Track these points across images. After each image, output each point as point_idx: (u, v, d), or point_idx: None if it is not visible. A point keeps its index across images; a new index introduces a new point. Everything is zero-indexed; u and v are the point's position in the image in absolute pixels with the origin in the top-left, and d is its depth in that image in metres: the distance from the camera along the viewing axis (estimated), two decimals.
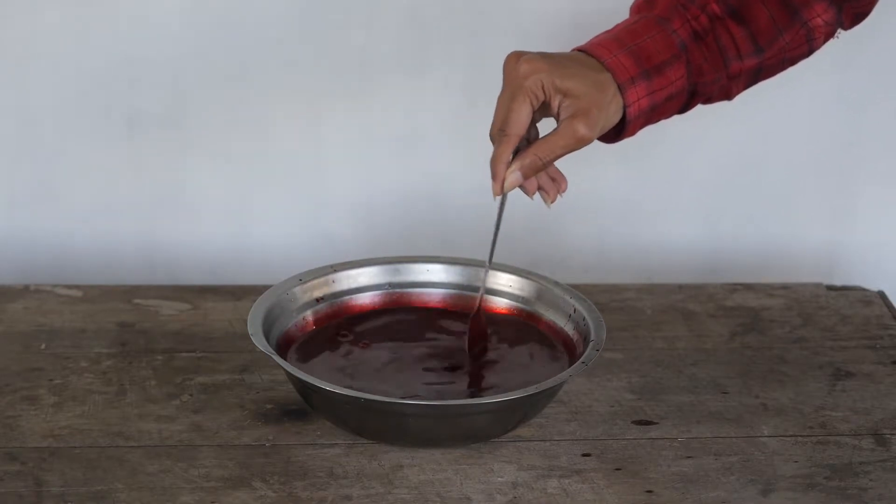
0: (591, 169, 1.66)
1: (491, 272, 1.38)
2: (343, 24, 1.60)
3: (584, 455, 1.25)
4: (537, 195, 1.25)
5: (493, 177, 1.22)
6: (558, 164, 1.25)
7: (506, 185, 1.22)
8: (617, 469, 1.23)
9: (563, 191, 1.26)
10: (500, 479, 1.21)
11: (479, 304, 1.32)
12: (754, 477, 1.23)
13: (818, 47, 1.31)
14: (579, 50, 1.25)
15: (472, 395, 1.26)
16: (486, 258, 1.31)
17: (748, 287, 1.55)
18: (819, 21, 1.28)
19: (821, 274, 1.69)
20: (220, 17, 1.59)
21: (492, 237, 1.28)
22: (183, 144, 1.64)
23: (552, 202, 1.26)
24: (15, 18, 1.57)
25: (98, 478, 1.20)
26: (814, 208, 1.71)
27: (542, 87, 1.21)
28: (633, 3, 1.30)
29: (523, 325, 1.36)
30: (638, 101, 1.24)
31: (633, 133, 1.27)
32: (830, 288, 1.56)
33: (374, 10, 1.60)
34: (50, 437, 1.25)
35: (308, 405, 1.27)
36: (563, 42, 1.61)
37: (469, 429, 1.23)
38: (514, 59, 1.22)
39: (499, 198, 1.24)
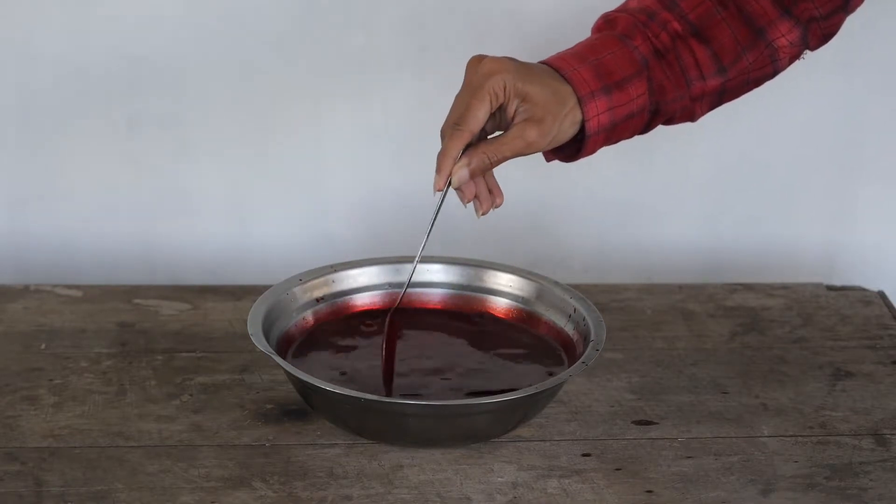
0: (592, 169, 1.66)
1: (491, 272, 1.38)
2: (343, 24, 1.60)
3: (584, 455, 1.25)
4: (470, 205, 1.25)
5: (438, 170, 1.22)
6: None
7: (453, 180, 1.22)
8: (617, 469, 1.23)
9: (498, 205, 1.26)
10: (500, 479, 1.21)
11: (399, 301, 1.30)
12: (754, 477, 1.23)
13: (783, 68, 1.30)
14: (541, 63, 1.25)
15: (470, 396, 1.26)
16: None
17: (748, 287, 1.55)
18: (784, 41, 1.27)
19: (821, 274, 1.69)
20: (220, 18, 1.59)
21: (426, 234, 1.26)
22: (183, 144, 1.64)
23: (483, 214, 1.25)
24: (16, 18, 1.57)
25: (98, 478, 1.20)
26: (814, 208, 1.71)
27: (504, 88, 1.20)
28: (594, 24, 1.30)
29: (522, 327, 1.36)
30: (598, 116, 1.24)
31: (592, 151, 1.26)
32: (830, 288, 1.56)
33: (374, 10, 1.60)
34: (50, 437, 1.25)
35: (308, 405, 1.27)
36: (562, 43, 1.62)
37: (469, 429, 1.23)
38: (478, 60, 1.22)
39: (439, 193, 1.23)
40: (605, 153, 1.66)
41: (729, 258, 1.71)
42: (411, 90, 1.63)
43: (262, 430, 1.27)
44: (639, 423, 1.30)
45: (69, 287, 1.51)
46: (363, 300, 1.38)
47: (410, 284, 1.32)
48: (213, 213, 1.66)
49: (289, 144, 1.65)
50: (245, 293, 1.50)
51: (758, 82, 1.30)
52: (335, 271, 1.37)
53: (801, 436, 1.29)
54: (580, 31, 1.61)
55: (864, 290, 1.55)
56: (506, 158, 1.22)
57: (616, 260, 1.71)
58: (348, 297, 1.37)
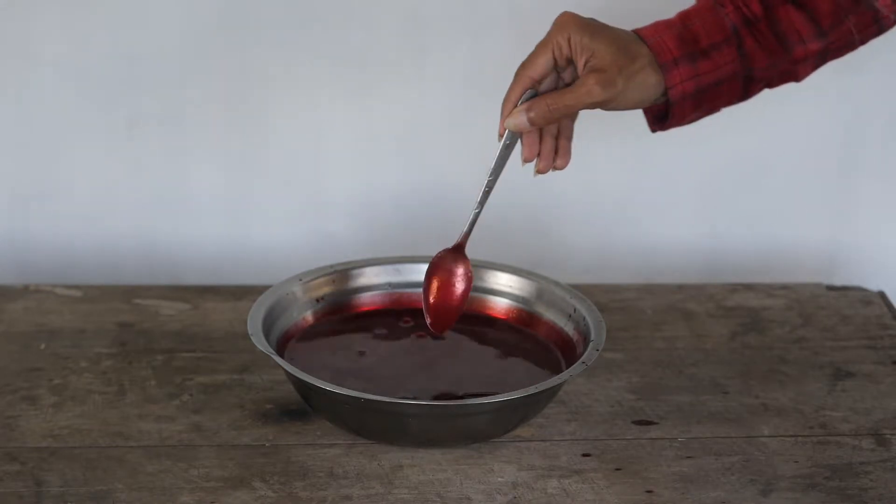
0: (591, 169, 1.66)
1: (491, 272, 1.38)
2: (343, 24, 1.60)
3: (584, 455, 1.25)
4: (528, 165, 1.25)
5: (502, 116, 1.24)
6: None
7: (509, 123, 1.23)
8: (617, 469, 1.23)
9: (560, 167, 1.26)
10: (500, 479, 1.21)
11: (463, 239, 1.30)
12: (754, 477, 1.23)
13: (889, 27, 1.29)
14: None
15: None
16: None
17: (748, 287, 1.55)
18: (885, 1, 1.27)
19: (821, 274, 1.69)
20: (219, 17, 1.59)
21: (486, 179, 1.27)
22: (183, 144, 1.64)
23: (539, 172, 1.26)
24: (15, 18, 1.57)
25: (98, 478, 1.20)
26: (814, 208, 1.71)
27: (569, 41, 1.22)
28: None
29: (522, 328, 1.36)
30: (682, 84, 1.24)
31: (681, 119, 1.27)
32: (830, 288, 1.56)
33: (374, 10, 1.60)
34: (50, 437, 1.25)
35: (308, 405, 1.27)
36: None
37: (469, 429, 1.23)
38: (561, 14, 1.24)
39: (503, 140, 1.24)
40: (605, 152, 1.67)
41: (729, 258, 1.71)
42: (411, 90, 1.63)
43: (262, 430, 1.27)
44: (639, 423, 1.30)
45: (69, 287, 1.51)
46: (363, 300, 1.38)
47: (419, 285, 1.35)
48: (213, 213, 1.66)
49: (288, 144, 1.65)
50: (245, 293, 1.50)
51: (864, 41, 1.30)
52: (335, 271, 1.37)
53: (801, 436, 1.29)
54: None
55: (864, 290, 1.55)
56: (568, 108, 1.22)
57: (616, 260, 1.71)
58: (348, 297, 1.37)
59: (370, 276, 1.38)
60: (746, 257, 1.71)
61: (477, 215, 1.29)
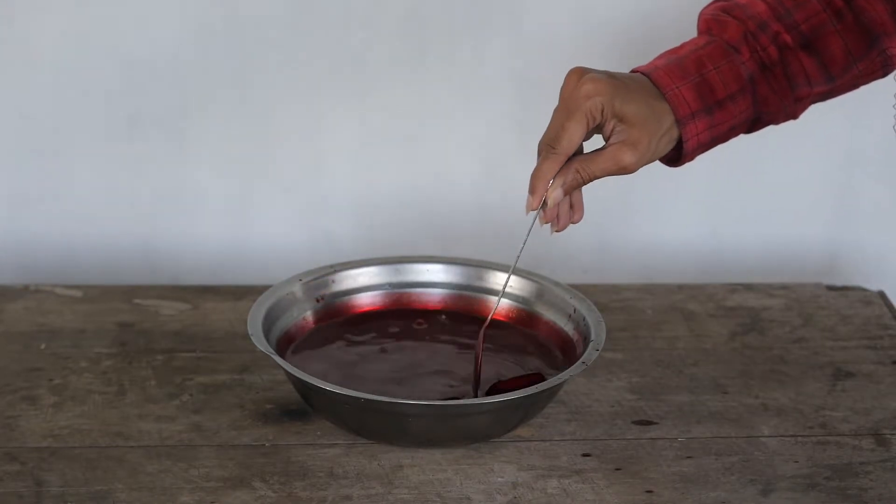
0: None
1: (491, 272, 1.38)
2: (343, 24, 1.60)
3: (584, 455, 1.25)
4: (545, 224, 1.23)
5: (532, 191, 1.20)
6: None
7: (549, 201, 1.20)
8: (617, 469, 1.23)
9: (576, 221, 1.24)
10: (500, 479, 1.21)
11: (490, 317, 1.29)
12: (754, 477, 1.23)
13: (892, 71, 1.28)
14: (641, 72, 1.23)
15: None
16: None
17: (748, 287, 1.55)
18: None
19: (821, 274, 1.69)
20: (219, 18, 1.59)
21: (518, 252, 1.26)
22: (183, 144, 1.64)
23: (558, 231, 1.24)
24: (16, 19, 1.57)
25: (98, 478, 1.20)
26: (814, 208, 1.71)
27: (602, 111, 1.18)
28: (702, 15, 1.27)
29: (522, 328, 1.36)
30: (697, 136, 1.22)
31: (690, 160, 1.26)
32: (830, 288, 1.56)
33: (373, 9, 1.60)
34: (50, 437, 1.25)
35: (308, 405, 1.27)
36: (561, 42, 1.62)
37: (469, 429, 1.23)
38: (577, 76, 1.19)
39: (532, 213, 1.21)
40: None
41: (729, 258, 1.71)
42: (411, 90, 1.63)
43: (262, 430, 1.27)
44: (639, 423, 1.30)
45: (69, 287, 1.51)
46: (363, 300, 1.38)
47: (419, 285, 1.36)
48: (213, 213, 1.66)
49: (289, 144, 1.65)
50: (245, 293, 1.50)
51: (867, 83, 1.29)
52: (335, 271, 1.37)
53: (801, 436, 1.29)
54: (579, 32, 1.61)
55: (864, 290, 1.55)
56: (597, 177, 1.21)
57: (616, 260, 1.71)
58: (348, 297, 1.37)
59: (370, 276, 1.38)
60: (746, 257, 1.72)
61: (506, 286, 1.30)
